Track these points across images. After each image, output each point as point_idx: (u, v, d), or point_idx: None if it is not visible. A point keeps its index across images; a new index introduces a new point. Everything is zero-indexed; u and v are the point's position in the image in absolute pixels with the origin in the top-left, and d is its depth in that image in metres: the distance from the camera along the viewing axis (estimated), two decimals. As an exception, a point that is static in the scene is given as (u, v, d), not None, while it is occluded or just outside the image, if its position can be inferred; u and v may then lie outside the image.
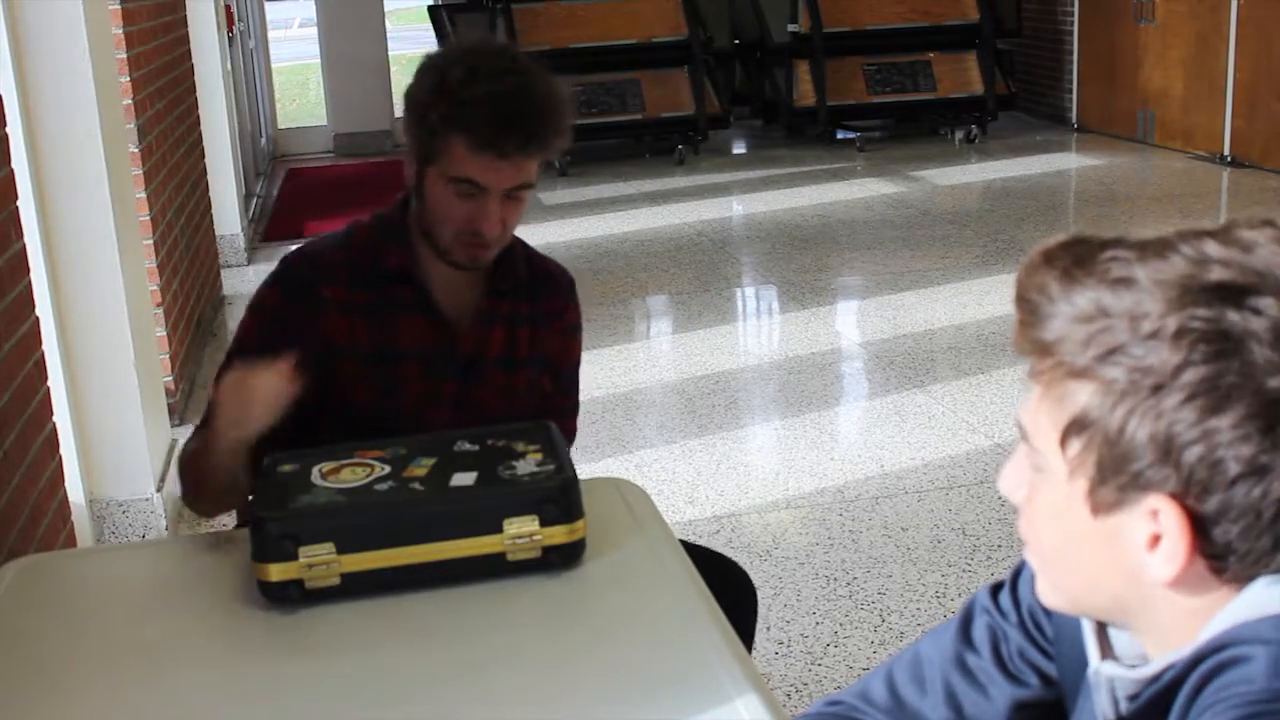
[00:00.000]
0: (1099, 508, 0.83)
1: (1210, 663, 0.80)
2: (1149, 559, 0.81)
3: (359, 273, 1.80)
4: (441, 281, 1.81)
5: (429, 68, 1.72)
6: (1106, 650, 0.92)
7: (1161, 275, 0.80)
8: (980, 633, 1.11)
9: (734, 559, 2.04)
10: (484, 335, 1.84)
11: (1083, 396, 0.81)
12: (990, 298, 5.42)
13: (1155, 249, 0.82)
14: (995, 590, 1.12)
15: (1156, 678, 0.84)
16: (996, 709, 1.10)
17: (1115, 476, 0.81)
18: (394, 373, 1.80)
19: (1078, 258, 0.83)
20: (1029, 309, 0.84)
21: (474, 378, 1.84)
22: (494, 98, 1.66)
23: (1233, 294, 0.78)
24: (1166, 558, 0.81)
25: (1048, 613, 1.07)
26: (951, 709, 1.12)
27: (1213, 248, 0.81)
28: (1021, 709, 1.10)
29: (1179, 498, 0.79)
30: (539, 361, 1.89)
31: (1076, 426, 0.82)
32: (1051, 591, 0.91)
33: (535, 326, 1.88)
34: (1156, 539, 0.81)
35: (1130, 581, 0.84)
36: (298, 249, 1.87)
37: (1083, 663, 0.97)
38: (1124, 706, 0.88)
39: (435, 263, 1.80)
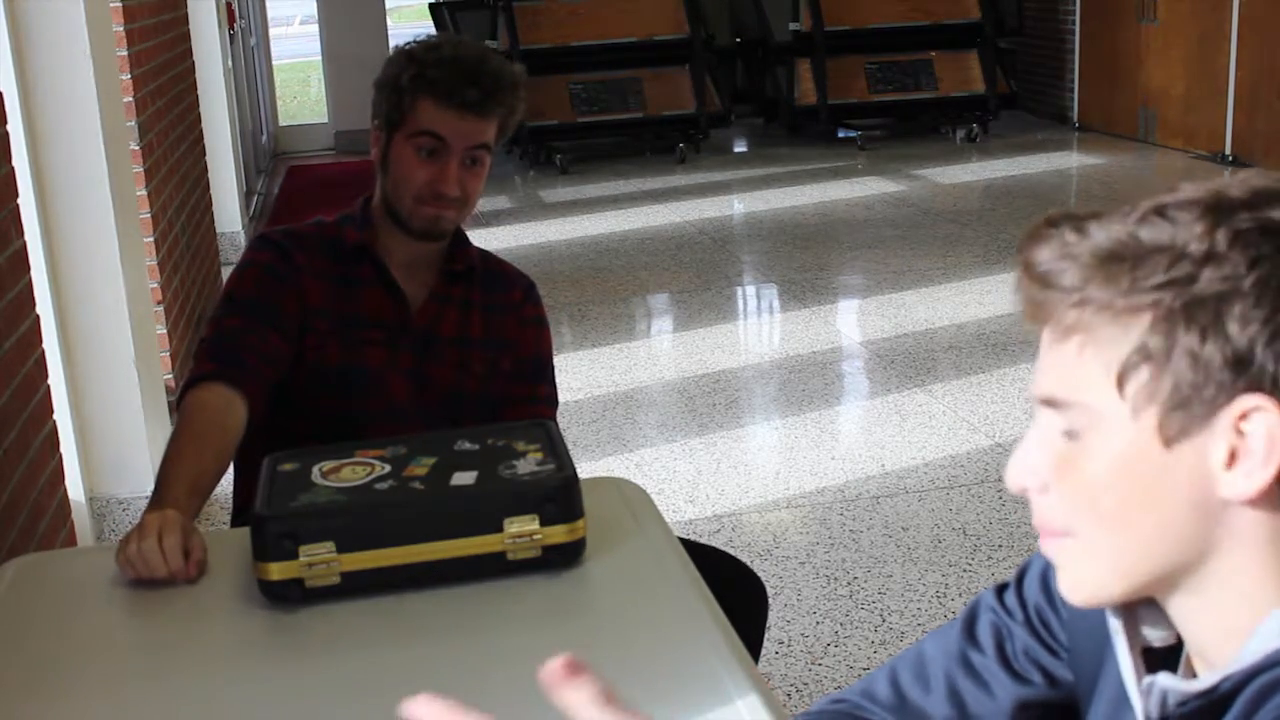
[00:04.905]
0: (1174, 436, 0.80)
1: (1268, 677, 0.78)
2: (1227, 478, 0.79)
3: (325, 245, 1.96)
4: (400, 260, 1.96)
5: (398, 50, 1.92)
6: (1134, 641, 0.90)
7: (1189, 201, 0.80)
8: (985, 631, 1.11)
9: (748, 565, 2.04)
10: (437, 313, 1.98)
11: (1137, 330, 0.80)
12: (991, 297, 5.41)
13: (1162, 193, 0.82)
14: (1000, 590, 1.12)
15: (1211, 690, 0.82)
16: (1000, 707, 1.10)
17: (1197, 394, 0.78)
18: (359, 335, 1.94)
19: (1081, 215, 0.83)
20: (1043, 270, 0.82)
21: (429, 354, 1.97)
22: (458, 59, 1.86)
23: (1264, 198, 0.79)
24: (1259, 463, 0.78)
25: (1056, 612, 1.06)
26: (955, 707, 1.11)
27: (1216, 182, 0.82)
28: (1025, 708, 1.09)
29: (1268, 395, 0.78)
30: (495, 343, 2.01)
31: (1138, 358, 0.80)
32: (1097, 569, 0.85)
33: (488, 313, 2.01)
34: (1234, 455, 0.79)
35: (1199, 522, 0.81)
36: (271, 228, 2.04)
37: (1099, 662, 0.96)
38: (1173, 712, 0.86)
39: (395, 242, 1.94)
